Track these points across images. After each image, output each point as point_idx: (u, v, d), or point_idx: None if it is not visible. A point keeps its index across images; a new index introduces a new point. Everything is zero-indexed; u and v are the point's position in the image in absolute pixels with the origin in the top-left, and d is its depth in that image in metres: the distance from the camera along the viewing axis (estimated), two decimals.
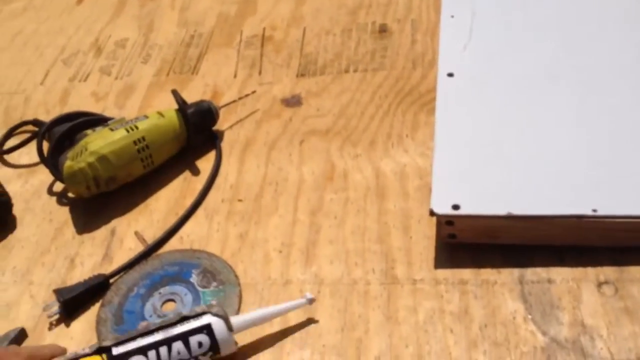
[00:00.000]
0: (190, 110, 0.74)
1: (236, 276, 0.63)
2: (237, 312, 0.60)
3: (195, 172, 0.74)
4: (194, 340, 0.54)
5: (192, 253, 0.66)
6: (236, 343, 0.56)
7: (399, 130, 0.74)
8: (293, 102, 0.80)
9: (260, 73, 0.84)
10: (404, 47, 0.84)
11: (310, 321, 0.58)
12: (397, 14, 0.88)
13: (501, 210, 0.61)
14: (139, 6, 1.00)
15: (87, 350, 0.54)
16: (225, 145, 0.76)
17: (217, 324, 0.54)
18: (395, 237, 0.64)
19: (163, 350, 0.53)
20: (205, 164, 0.74)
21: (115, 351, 0.53)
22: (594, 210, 0.59)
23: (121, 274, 0.65)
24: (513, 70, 0.74)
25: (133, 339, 0.54)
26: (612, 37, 0.76)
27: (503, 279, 0.58)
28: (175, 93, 0.74)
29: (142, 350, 0.53)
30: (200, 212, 0.70)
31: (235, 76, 0.85)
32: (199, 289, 0.62)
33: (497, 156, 0.66)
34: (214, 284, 0.63)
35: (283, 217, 0.68)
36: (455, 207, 0.62)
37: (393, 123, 0.75)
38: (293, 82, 0.82)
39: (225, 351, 0.55)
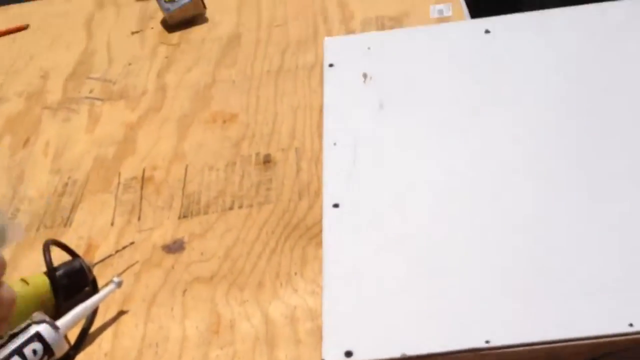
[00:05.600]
0: (59, 272, 0.68)
1: None
2: None
3: None
4: (28, 350, 0.61)
5: None
6: (68, 342, 0.63)
7: (288, 268, 0.71)
8: (175, 247, 0.75)
9: (139, 219, 0.80)
10: (290, 177, 0.82)
11: None
12: (280, 143, 0.86)
13: (396, 352, 0.58)
14: (8, 156, 0.94)
15: None
16: (99, 305, 0.69)
17: (45, 330, 0.62)
18: None
19: None
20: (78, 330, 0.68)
21: None
22: (487, 342, 0.57)
23: None
24: (398, 200, 0.72)
25: None
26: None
27: None
28: (46, 249, 0.69)
29: None
30: None
31: (112, 224, 0.80)
32: None
33: (388, 293, 0.64)
34: None
35: None
36: (348, 353, 0.59)
37: (281, 261, 0.72)
38: (175, 225, 0.78)
39: (59, 352, 0.63)
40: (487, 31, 0.91)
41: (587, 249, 0.64)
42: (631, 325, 0.57)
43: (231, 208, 0.79)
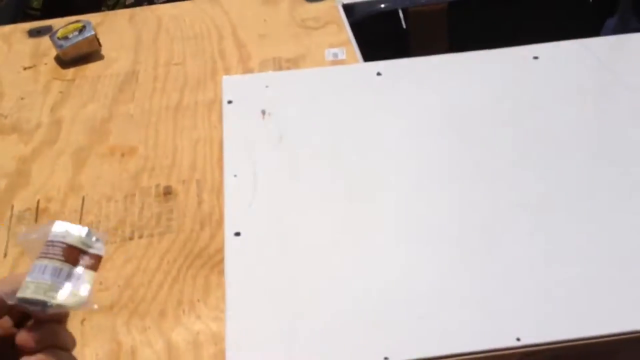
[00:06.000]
0: None
1: None
2: None
3: None
4: None
5: None
6: None
7: (190, 295, 0.71)
8: None
9: None
10: (191, 208, 0.82)
11: None
12: (181, 175, 0.87)
13: None
14: None
15: None
16: None
17: None
18: None
19: None
20: None
21: None
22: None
23: None
24: (299, 226, 0.75)
25: None
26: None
27: None
28: None
29: None
30: None
31: (5, 256, 0.77)
32: None
33: (292, 317, 0.65)
34: None
35: None
36: None
37: (183, 289, 0.72)
38: None
39: None
40: (378, 73, 0.96)
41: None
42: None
43: (131, 238, 0.79)
